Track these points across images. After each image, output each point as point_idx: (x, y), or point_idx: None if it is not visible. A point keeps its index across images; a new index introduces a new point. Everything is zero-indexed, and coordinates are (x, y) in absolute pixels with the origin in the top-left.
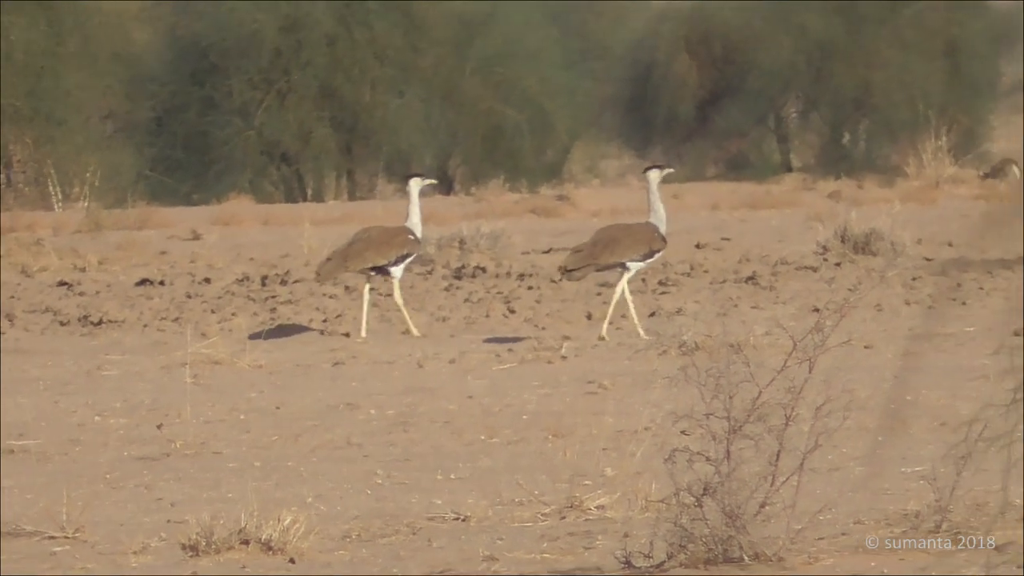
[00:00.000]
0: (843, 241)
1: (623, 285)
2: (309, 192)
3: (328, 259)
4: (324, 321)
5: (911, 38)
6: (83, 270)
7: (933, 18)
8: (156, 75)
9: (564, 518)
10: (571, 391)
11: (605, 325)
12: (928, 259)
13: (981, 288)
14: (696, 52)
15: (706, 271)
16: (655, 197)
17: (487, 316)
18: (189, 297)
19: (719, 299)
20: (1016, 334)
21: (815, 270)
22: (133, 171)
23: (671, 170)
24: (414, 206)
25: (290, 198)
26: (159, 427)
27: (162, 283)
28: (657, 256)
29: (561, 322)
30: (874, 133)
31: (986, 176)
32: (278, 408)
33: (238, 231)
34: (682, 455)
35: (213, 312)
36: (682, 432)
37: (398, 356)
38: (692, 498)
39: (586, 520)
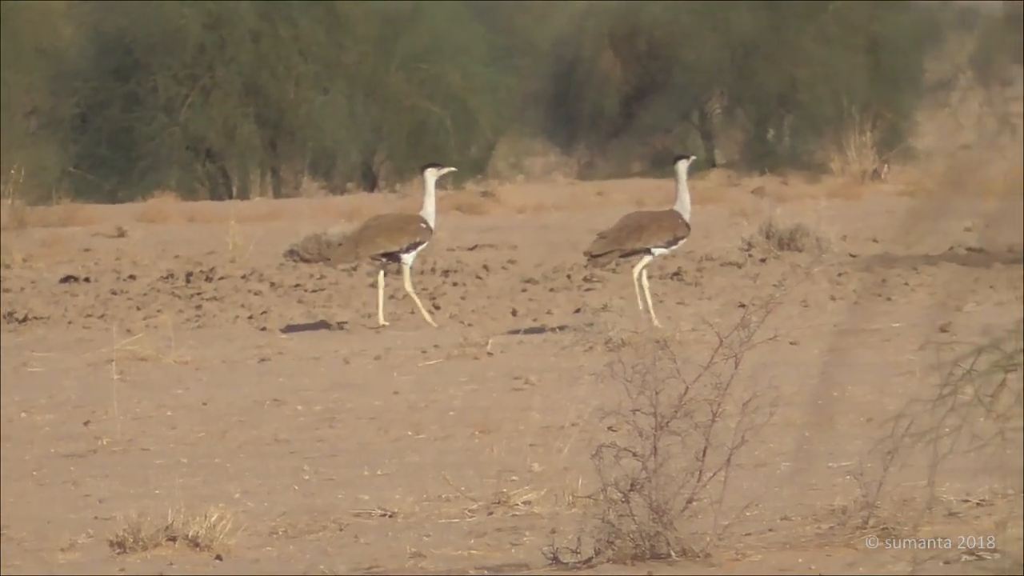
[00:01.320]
0: (768, 237)
1: (641, 271)
2: (234, 189)
3: (339, 244)
4: (250, 318)
5: (835, 34)
6: (8, 267)
7: (856, 14)
8: (80, 71)
9: (491, 514)
10: (497, 387)
11: (653, 316)
12: (853, 255)
13: (906, 284)
14: (621, 48)
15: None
16: (683, 186)
17: (412, 313)
18: (114, 294)
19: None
20: (942, 330)
21: (740, 266)
22: (57, 168)
23: (695, 157)
24: (429, 196)
25: (215, 195)
26: (86, 424)
27: (87, 280)
28: (681, 243)
29: (487, 318)
30: (799, 129)
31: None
32: (204, 404)
33: (163, 228)
34: (609, 451)
35: (139, 309)
36: (609, 428)
37: (324, 352)
38: (619, 494)
39: (513, 516)
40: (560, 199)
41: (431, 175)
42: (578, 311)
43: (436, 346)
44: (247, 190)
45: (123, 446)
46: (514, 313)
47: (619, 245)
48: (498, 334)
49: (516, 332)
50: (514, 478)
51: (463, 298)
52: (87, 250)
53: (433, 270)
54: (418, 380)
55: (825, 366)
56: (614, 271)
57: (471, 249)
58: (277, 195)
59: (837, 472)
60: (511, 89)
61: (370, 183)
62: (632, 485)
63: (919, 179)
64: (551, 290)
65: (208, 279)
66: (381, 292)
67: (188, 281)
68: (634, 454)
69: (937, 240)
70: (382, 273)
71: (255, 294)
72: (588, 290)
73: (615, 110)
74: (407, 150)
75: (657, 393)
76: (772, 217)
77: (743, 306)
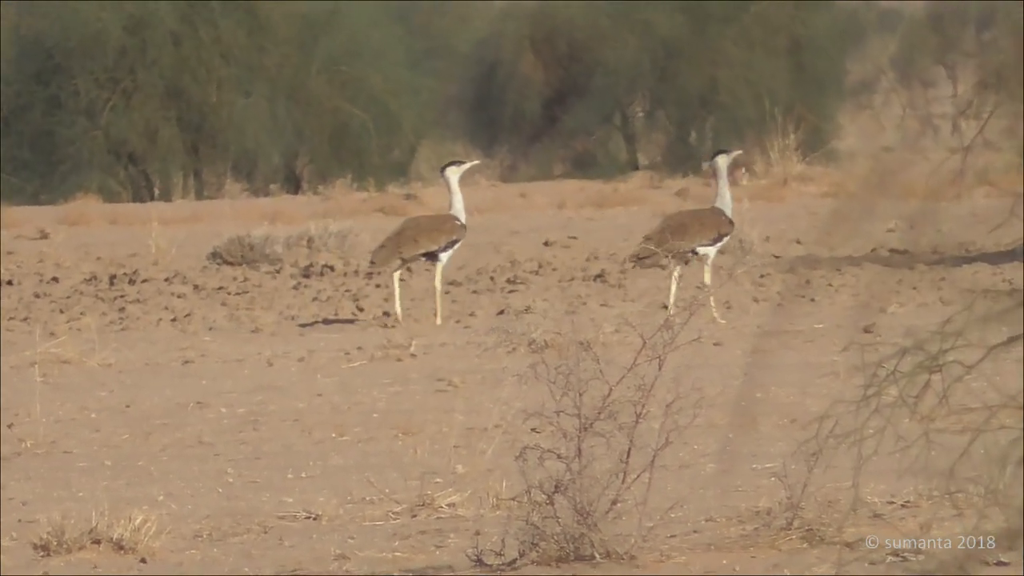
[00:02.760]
0: None
1: (708, 271)
2: (156, 191)
3: (381, 246)
4: (173, 320)
5: (756, 36)
6: None
7: (778, 16)
8: (0, 75)
9: (415, 516)
10: (421, 389)
11: (715, 313)
12: (777, 256)
13: (830, 285)
14: (541, 51)
15: (554, 269)
16: (723, 182)
17: (336, 314)
18: (37, 296)
19: (568, 297)
20: (865, 331)
21: (664, 268)
22: None
23: (739, 152)
24: (455, 194)
25: (137, 197)
26: (9, 426)
27: (10, 283)
28: (725, 240)
29: (410, 320)
30: (721, 131)
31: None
32: (128, 407)
33: (86, 230)
34: (533, 453)
35: (62, 311)
36: (533, 430)
37: (247, 354)
38: (543, 496)
39: (437, 518)
40: (483, 202)
41: (453, 173)
42: (501, 313)
43: (359, 348)
44: (169, 192)
45: (46, 448)
46: (436, 314)
47: (665, 245)
48: (421, 336)
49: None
50: (438, 480)
51: (386, 300)
52: (9, 253)
53: (356, 272)
54: (341, 382)
55: (749, 367)
56: (536, 273)
57: None
58: (199, 197)
59: (761, 474)
60: (432, 92)
61: (293, 185)
62: (556, 487)
63: (841, 181)
64: (474, 292)
65: (131, 282)
66: (397, 291)
67: (111, 284)
68: (558, 456)
69: (860, 241)
70: (397, 274)
71: (178, 297)
72: (511, 292)
73: (537, 113)
74: (329, 152)
75: (581, 394)
76: None
77: (666, 307)
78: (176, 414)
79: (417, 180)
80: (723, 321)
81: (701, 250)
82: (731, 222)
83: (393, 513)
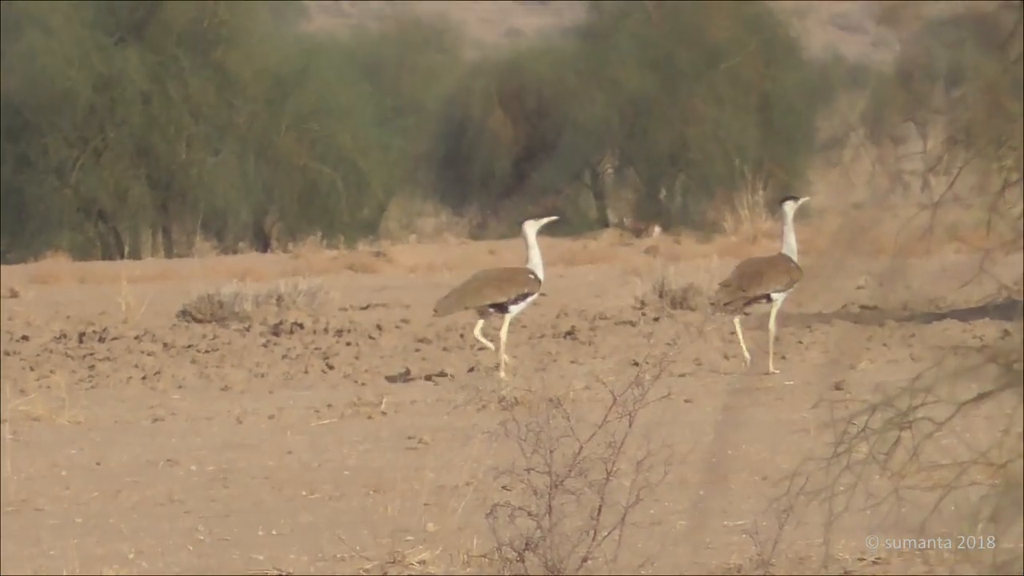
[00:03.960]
0: (661, 296)
1: (774, 316)
2: (126, 249)
3: (446, 296)
4: (143, 378)
5: (726, 93)
6: None
7: (747, 73)
8: None
9: (386, 574)
10: (391, 446)
11: (771, 361)
12: (746, 313)
13: (800, 342)
14: (510, 107)
15: (524, 326)
16: (789, 229)
17: (305, 372)
18: (7, 354)
19: (538, 354)
20: (836, 388)
21: (633, 324)
22: None
23: (807, 199)
24: (533, 248)
25: (107, 255)
26: None
27: None
28: (796, 286)
29: (380, 378)
30: (691, 188)
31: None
32: (98, 464)
33: (55, 289)
34: (503, 510)
35: (32, 369)
36: (503, 487)
37: (217, 412)
38: (514, 553)
39: None
40: (452, 259)
41: (531, 227)
42: (472, 370)
43: (329, 405)
44: (139, 250)
45: (16, 506)
46: (407, 372)
47: (743, 292)
48: (391, 393)
49: (405, 380)
50: (409, 538)
51: (356, 357)
52: None
53: (326, 330)
54: (311, 439)
55: (719, 424)
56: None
57: (364, 308)
58: (169, 255)
59: (732, 530)
60: (402, 149)
61: (262, 243)
62: (527, 544)
63: (811, 237)
64: (444, 349)
65: (101, 340)
66: (482, 339)
67: (81, 341)
68: (528, 513)
69: (830, 298)
70: (480, 324)
71: (148, 354)
72: (481, 349)
73: (506, 170)
74: (299, 210)
75: (551, 452)
76: (665, 276)
77: (637, 364)
78: (146, 471)
79: (386, 237)
80: (777, 371)
81: (775, 296)
82: (800, 269)
83: (364, 571)
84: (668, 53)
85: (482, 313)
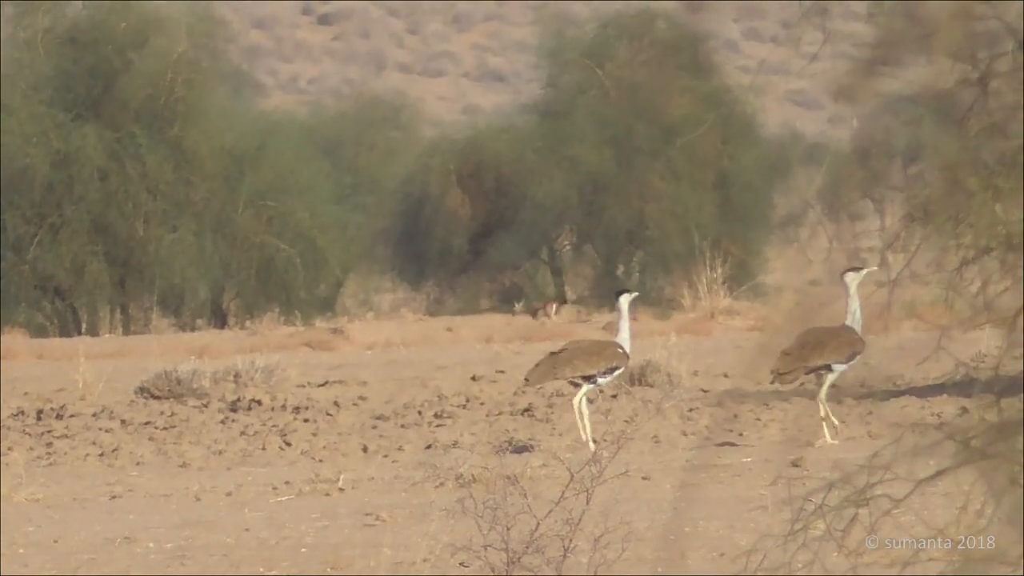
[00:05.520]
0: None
1: (826, 387)
2: (84, 326)
3: (537, 365)
4: (101, 455)
5: (683, 170)
6: None
7: (705, 150)
8: None
9: None
10: (349, 523)
11: (827, 430)
12: (704, 390)
13: (758, 419)
14: (468, 185)
15: (482, 403)
16: (853, 299)
17: (263, 449)
18: None
19: (495, 431)
20: (793, 465)
21: (592, 401)
22: None
23: (873, 269)
24: (624, 320)
25: (64, 332)
26: None
27: None
28: (858, 359)
29: (337, 455)
30: (648, 265)
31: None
32: (56, 542)
33: (12, 365)
34: None
35: None
36: (461, 564)
37: (175, 489)
38: None
39: None
40: (409, 335)
41: (625, 300)
42: (429, 447)
43: (287, 482)
44: (96, 327)
45: None
46: (365, 449)
47: (804, 362)
48: (349, 470)
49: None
50: None
51: (314, 434)
52: None
53: (284, 407)
54: (269, 517)
55: (677, 501)
56: (464, 407)
57: (321, 385)
58: (127, 332)
59: None
60: (359, 226)
61: (220, 320)
62: None
63: (768, 314)
64: (402, 426)
65: (58, 416)
66: (578, 412)
67: (38, 419)
68: None
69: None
70: (583, 399)
71: (105, 431)
72: (439, 426)
73: (463, 246)
74: (256, 287)
75: (508, 529)
76: None
77: (595, 442)
78: (104, 549)
79: (344, 314)
80: (835, 441)
81: (836, 366)
82: (863, 340)
83: None
84: (626, 130)
85: (572, 384)
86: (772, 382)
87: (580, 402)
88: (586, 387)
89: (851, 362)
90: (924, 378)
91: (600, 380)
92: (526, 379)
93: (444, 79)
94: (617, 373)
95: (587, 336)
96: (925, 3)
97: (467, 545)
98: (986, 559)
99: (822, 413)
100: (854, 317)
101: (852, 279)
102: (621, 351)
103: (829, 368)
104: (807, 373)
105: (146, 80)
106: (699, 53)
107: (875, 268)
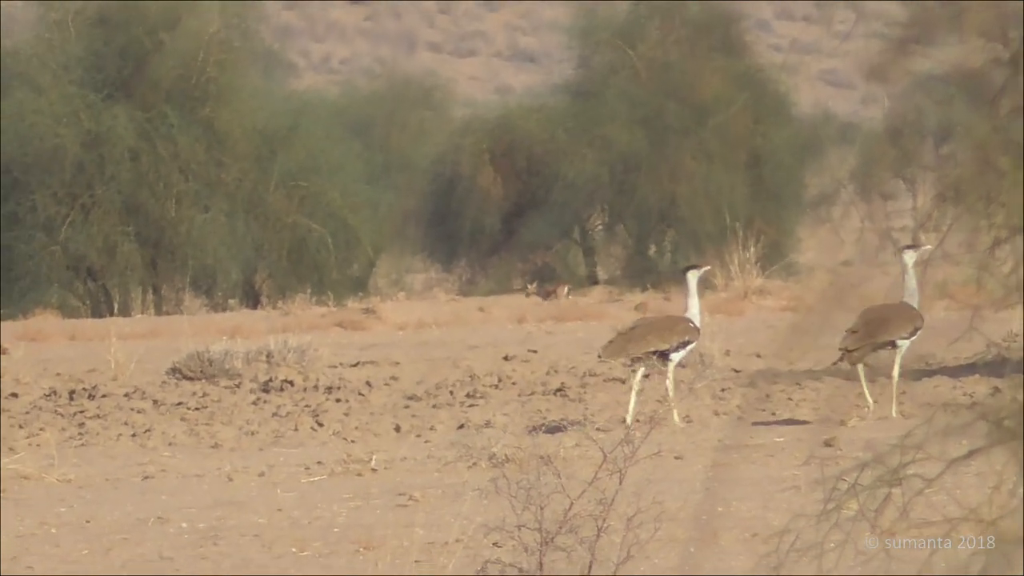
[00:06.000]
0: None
1: (899, 363)
2: (115, 307)
3: (610, 341)
4: (133, 436)
5: (715, 150)
6: None
7: (736, 129)
8: None
9: None
10: (381, 503)
11: (894, 406)
12: (736, 370)
13: (790, 399)
14: (500, 165)
15: (514, 383)
16: (911, 276)
17: (295, 429)
18: None
19: (528, 411)
20: (826, 445)
21: (624, 381)
22: None
23: (928, 248)
24: (692, 296)
25: (96, 313)
26: None
27: None
28: (919, 334)
29: (369, 435)
30: (680, 245)
31: (545, 295)
32: (88, 522)
33: (44, 346)
34: (494, 567)
35: (21, 427)
36: (494, 544)
37: (207, 470)
38: None
39: None
40: (441, 316)
41: (693, 276)
42: (461, 427)
43: (319, 463)
44: (128, 307)
45: (6, 565)
46: (397, 429)
47: (871, 339)
48: (381, 450)
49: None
50: None
51: (346, 414)
52: None
53: (316, 387)
54: (301, 497)
55: (709, 481)
56: (496, 387)
57: (353, 366)
58: (159, 312)
59: None
60: (391, 206)
61: (252, 300)
62: None
63: (801, 294)
64: (434, 406)
65: (91, 397)
66: (634, 393)
67: (70, 399)
68: (519, 570)
69: (820, 355)
70: (640, 374)
71: (138, 412)
72: (471, 406)
73: (495, 227)
74: (288, 267)
75: (541, 508)
76: None
77: (635, 422)
78: (136, 529)
79: (376, 294)
80: (900, 416)
81: (900, 342)
82: (922, 316)
83: None
84: (657, 110)
85: (643, 360)
86: (840, 361)
87: (638, 380)
88: (672, 367)
89: (913, 337)
90: (956, 358)
91: (673, 356)
92: (599, 355)
93: (476, 59)
94: (690, 348)
95: (619, 316)
96: None
97: (500, 525)
98: (1018, 539)
99: (895, 391)
100: (911, 293)
101: (910, 257)
102: (692, 326)
103: (894, 344)
104: (874, 350)
105: (177, 60)
106: (731, 33)
107: (931, 247)
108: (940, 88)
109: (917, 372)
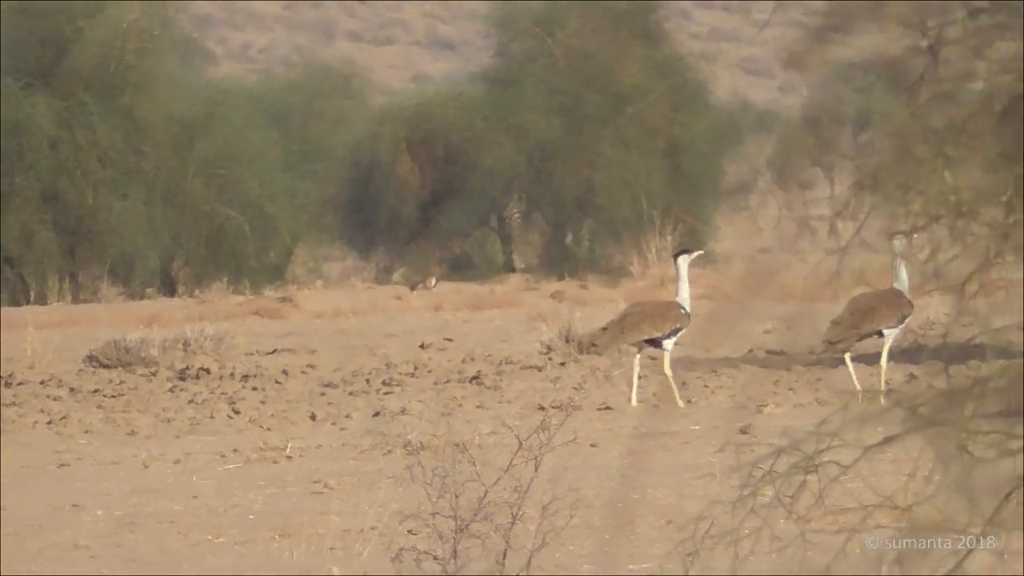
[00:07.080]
0: (567, 341)
1: (886, 352)
2: (32, 295)
3: (604, 330)
4: (49, 423)
5: (633, 138)
6: None
7: (655, 117)
8: None
9: None
10: (297, 491)
11: (883, 384)
12: (653, 358)
13: (706, 386)
14: (417, 153)
15: (430, 371)
16: (900, 264)
17: (212, 417)
18: None
19: (444, 399)
20: (742, 432)
21: (540, 369)
22: None
23: (917, 236)
24: (683, 282)
25: (13, 301)
26: None
27: None
28: (907, 321)
29: (286, 423)
30: (597, 233)
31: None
32: (3, 510)
33: None
34: (409, 554)
35: None
36: (409, 531)
37: (123, 457)
38: None
39: None
40: (358, 304)
41: (684, 261)
42: (377, 415)
43: (236, 450)
44: (45, 296)
45: None
46: (313, 417)
47: (855, 329)
48: (297, 438)
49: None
50: None
51: (263, 402)
52: None
53: (232, 375)
54: (218, 484)
55: (625, 468)
56: (412, 375)
57: (270, 354)
58: (76, 301)
59: (638, 574)
60: (309, 194)
61: (169, 288)
62: None
63: (718, 282)
64: (350, 394)
65: (7, 385)
66: (635, 374)
67: None
68: (434, 557)
69: (737, 342)
70: (637, 357)
71: (54, 400)
72: (387, 394)
73: (413, 215)
74: (206, 255)
75: (457, 496)
76: (571, 321)
77: (543, 409)
78: (52, 517)
79: (293, 282)
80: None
81: (887, 331)
82: (911, 304)
83: None
84: (575, 98)
85: (637, 347)
86: (823, 352)
87: (666, 368)
88: (667, 354)
89: (901, 325)
90: (873, 346)
91: (665, 343)
92: (593, 344)
93: (394, 47)
94: (680, 334)
95: (536, 304)
96: None
97: (415, 512)
98: (933, 526)
99: (883, 380)
100: (901, 281)
101: (898, 245)
102: (684, 312)
103: (880, 333)
104: (859, 340)
105: (97, 48)
106: (650, 21)
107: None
108: (859, 76)
109: (834, 360)
